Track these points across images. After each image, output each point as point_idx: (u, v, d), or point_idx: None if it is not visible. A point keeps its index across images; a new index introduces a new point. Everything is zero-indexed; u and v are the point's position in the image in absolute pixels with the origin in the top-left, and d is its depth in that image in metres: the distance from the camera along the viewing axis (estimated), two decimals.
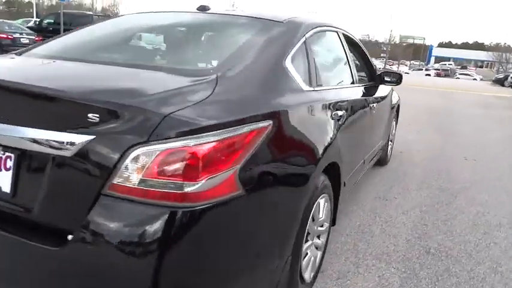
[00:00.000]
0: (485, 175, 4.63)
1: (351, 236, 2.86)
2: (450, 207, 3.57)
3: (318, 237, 2.23)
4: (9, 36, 15.05)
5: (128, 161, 1.25)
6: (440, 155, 5.48)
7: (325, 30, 2.68)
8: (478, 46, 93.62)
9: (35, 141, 1.31)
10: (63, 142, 1.28)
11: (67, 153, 1.28)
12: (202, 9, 2.43)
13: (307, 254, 2.06)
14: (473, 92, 18.00)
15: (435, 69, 49.64)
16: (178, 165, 1.25)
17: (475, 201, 3.75)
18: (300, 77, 1.99)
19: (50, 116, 1.34)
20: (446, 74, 47.03)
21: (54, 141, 1.29)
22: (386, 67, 50.60)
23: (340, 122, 2.29)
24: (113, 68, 1.73)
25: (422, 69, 53.01)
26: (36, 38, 15.16)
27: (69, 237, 1.28)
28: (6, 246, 1.41)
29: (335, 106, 2.27)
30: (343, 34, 3.05)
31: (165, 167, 1.25)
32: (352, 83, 3.01)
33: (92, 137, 1.27)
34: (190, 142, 1.27)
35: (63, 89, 1.35)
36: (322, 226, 2.22)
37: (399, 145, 5.47)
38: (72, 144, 1.27)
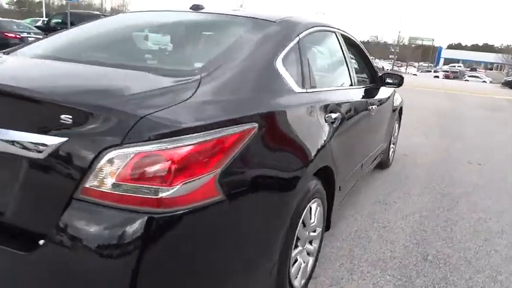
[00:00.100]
0: (489, 180, 4.53)
1: (347, 241, 2.80)
2: (451, 212, 3.49)
3: (310, 242, 2.17)
4: (17, 36, 15.15)
5: (101, 164, 1.20)
6: (445, 158, 5.38)
7: (322, 31, 2.62)
8: (488, 48, 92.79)
9: (7, 142, 1.27)
10: (35, 144, 1.24)
11: (39, 156, 1.24)
12: (196, 8, 2.39)
13: (297, 260, 2.00)
14: (482, 94, 17.79)
15: (444, 71, 49.21)
16: (153, 169, 1.21)
17: (477, 207, 3.66)
18: (292, 78, 1.94)
19: (22, 117, 1.30)
20: (455, 76, 46.59)
21: (27, 142, 1.25)
22: (394, 69, 50.30)
23: (334, 125, 2.23)
24: (94, 67, 1.68)
25: (430, 71, 52.59)
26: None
27: (41, 242, 1.24)
28: None
29: (329, 108, 2.21)
30: (342, 35, 2.98)
31: (139, 171, 1.20)
32: (350, 84, 2.94)
33: (65, 139, 1.22)
34: (166, 145, 1.22)
35: (35, 89, 1.31)
36: (314, 231, 2.17)
37: (403, 148, 5.39)
38: (44, 146, 1.23)
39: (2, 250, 1.27)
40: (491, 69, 77.25)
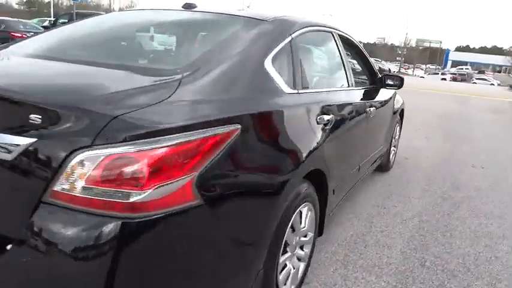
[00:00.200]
0: (492, 184, 4.43)
1: (343, 246, 2.73)
2: (451, 217, 3.41)
3: (301, 248, 2.11)
4: (24, 35, 15.24)
5: (70, 166, 1.15)
6: (448, 161, 5.28)
7: (317, 31, 2.55)
8: (496, 50, 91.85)
9: None
10: (3, 144, 1.19)
11: (7, 157, 1.19)
12: (188, 7, 2.34)
13: (286, 266, 1.94)
14: (489, 97, 17.57)
15: (451, 74, 48.67)
16: (124, 172, 1.15)
17: (478, 211, 3.57)
18: (282, 79, 1.88)
19: None
20: (463, 78, 46.12)
21: None
22: (401, 71, 49.98)
23: (327, 127, 2.16)
24: (75, 66, 1.64)
25: (438, 73, 52.11)
26: None
27: (8, 246, 1.19)
28: None
29: (322, 110, 2.14)
30: (340, 35, 2.92)
31: (109, 174, 1.15)
32: (347, 86, 2.87)
33: (34, 139, 1.18)
34: (139, 147, 1.17)
35: (3, 87, 1.27)
36: (305, 236, 2.10)
37: (405, 151, 5.31)
38: (13, 146, 1.19)
39: None
40: (499, 71, 76.41)
